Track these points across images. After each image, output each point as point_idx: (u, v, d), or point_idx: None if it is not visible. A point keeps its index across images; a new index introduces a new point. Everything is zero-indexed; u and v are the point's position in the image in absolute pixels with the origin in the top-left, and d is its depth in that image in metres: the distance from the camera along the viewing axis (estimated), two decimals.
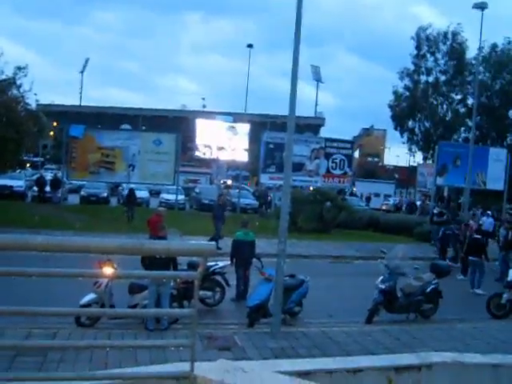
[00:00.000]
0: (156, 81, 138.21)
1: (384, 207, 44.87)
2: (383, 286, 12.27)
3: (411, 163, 65.18)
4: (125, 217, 26.48)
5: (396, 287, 12.54)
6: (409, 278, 12.95)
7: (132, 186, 30.11)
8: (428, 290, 12.87)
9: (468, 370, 5.89)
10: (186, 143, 36.76)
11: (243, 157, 34.32)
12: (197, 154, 34.54)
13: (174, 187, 33.11)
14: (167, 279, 10.45)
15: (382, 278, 12.51)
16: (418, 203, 38.03)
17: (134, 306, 10.85)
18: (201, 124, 34.19)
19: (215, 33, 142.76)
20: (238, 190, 35.85)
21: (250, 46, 56.00)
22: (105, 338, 9.13)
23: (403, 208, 40.10)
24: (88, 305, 10.55)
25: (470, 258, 16.82)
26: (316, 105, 79.55)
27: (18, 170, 32.65)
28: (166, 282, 10.73)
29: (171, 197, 34.00)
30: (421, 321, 12.68)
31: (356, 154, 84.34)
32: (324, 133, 70.24)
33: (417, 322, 12.51)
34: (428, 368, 5.83)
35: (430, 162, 48.54)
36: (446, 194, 44.71)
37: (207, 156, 34.95)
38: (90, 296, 10.71)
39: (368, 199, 46.48)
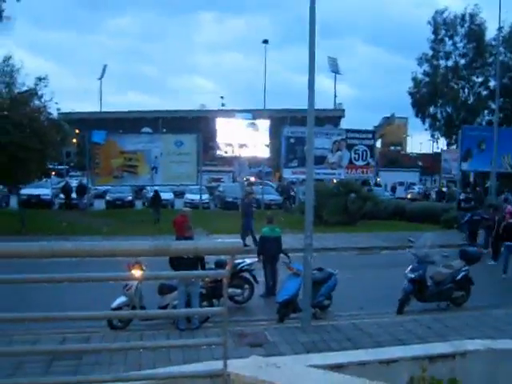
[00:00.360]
0: (173, 82, 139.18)
1: (409, 196, 44.52)
2: (413, 275, 12.20)
3: (435, 150, 64.46)
4: (152, 219, 26.76)
5: (426, 276, 12.45)
6: (438, 265, 12.85)
7: (156, 188, 30.36)
8: (458, 277, 12.75)
9: (502, 357, 5.82)
10: (207, 143, 36.93)
11: (265, 153, 34.33)
12: (218, 152, 34.67)
13: (198, 187, 33.28)
14: (196, 279, 10.53)
15: (410, 267, 12.44)
16: (445, 190, 37.66)
17: (165, 307, 10.96)
18: (221, 122, 34.30)
19: (229, 31, 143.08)
20: (261, 187, 35.87)
21: (265, 41, 55.75)
22: (137, 340, 9.24)
23: (432, 196, 39.59)
24: (119, 308, 10.68)
25: (507, 243, 16.47)
26: (335, 96, 79.17)
27: (44, 179, 33.11)
28: (194, 282, 10.82)
29: (195, 197, 34.19)
30: (452, 309, 12.56)
31: (378, 144, 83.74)
32: (344, 124, 69.78)
33: (448, 311, 12.41)
34: (462, 356, 5.78)
35: (454, 147, 47.89)
36: (471, 179, 44.12)
37: (229, 154, 35.05)
38: (121, 299, 10.84)
39: (393, 189, 46.18)
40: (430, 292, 12.42)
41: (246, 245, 19.48)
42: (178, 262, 10.25)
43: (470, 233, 21.03)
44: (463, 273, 12.86)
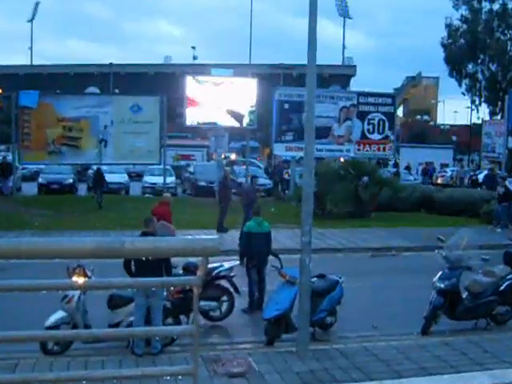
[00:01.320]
0: (129, 27, 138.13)
1: (439, 180, 44.80)
2: (443, 285, 12.29)
3: (474, 121, 64.83)
4: (96, 205, 27.43)
5: (459, 286, 12.54)
6: (476, 272, 12.94)
7: (105, 167, 30.19)
8: (502, 287, 12.86)
9: None
10: (173, 108, 36.74)
11: (250, 121, 34.21)
12: (188, 121, 34.47)
13: (161, 167, 33.14)
14: (158, 288, 10.52)
15: (440, 274, 12.52)
16: (484, 173, 37.82)
17: (117, 325, 10.95)
18: (192, 81, 34.09)
19: None
20: (244, 167, 35.84)
21: None
22: (80, 369, 9.23)
23: (478, 179, 39.47)
24: (56, 326, 10.66)
25: None
26: (343, 49, 78.97)
27: None
28: (156, 292, 10.79)
29: (157, 180, 34.08)
30: (494, 329, 12.69)
31: (399, 112, 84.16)
32: (356, 85, 69.90)
33: (489, 331, 12.53)
34: None
35: (499, 117, 48.25)
36: None
37: (202, 123, 34.88)
38: (58, 314, 10.81)
39: (425, 171, 46.17)
40: (464, 307, 12.52)
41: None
42: (136, 266, 10.24)
43: None
44: (509, 282, 12.97)
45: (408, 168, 46.43)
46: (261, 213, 14.58)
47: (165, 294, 11.40)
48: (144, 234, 10.98)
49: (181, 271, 11.78)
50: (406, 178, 39.57)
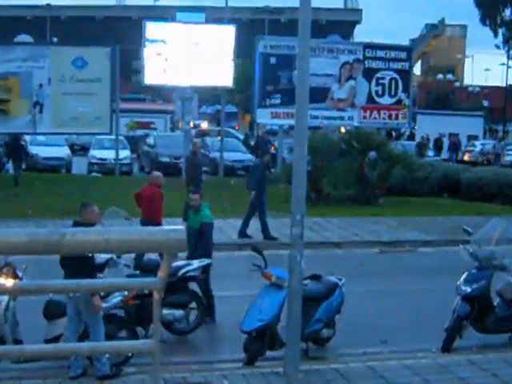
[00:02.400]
0: None
1: (467, 157, 45.00)
2: (469, 289, 12.36)
3: (511, 82, 65.06)
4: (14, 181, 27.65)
5: (490, 290, 12.63)
6: (511, 273, 13.03)
7: (40, 138, 29.97)
8: None
9: None
10: (128, 62, 36.52)
11: (226, 81, 34.13)
12: (148, 79, 34.32)
13: (112, 138, 33.02)
14: (94, 292, 10.26)
15: (466, 275, 12.59)
16: None
17: (56, 339, 10.93)
18: (152, 28, 33.90)
19: None
20: (218, 138, 35.81)
21: None
22: None
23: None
24: None
25: None
26: None
27: None
28: (86, 298, 10.50)
29: (107, 154, 34.01)
30: None
31: (417, 70, 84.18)
32: (361, 35, 70.00)
33: None
34: None
35: None
36: None
37: (165, 82, 34.73)
38: None
39: (453, 145, 46.10)
40: (496, 316, 12.60)
41: (248, 235, 20.23)
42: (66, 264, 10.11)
43: None
44: None
45: (425, 142, 46.43)
46: (198, 197, 14.22)
47: (117, 299, 11.37)
48: (76, 225, 10.54)
49: (136, 271, 11.79)
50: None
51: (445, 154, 44.52)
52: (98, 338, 10.42)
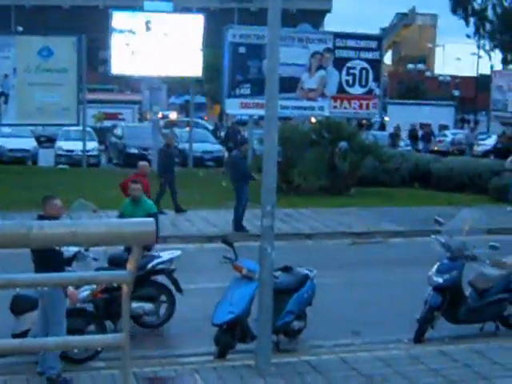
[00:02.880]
0: None
1: (437, 147, 45.23)
2: (441, 280, 12.41)
3: (481, 71, 65.44)
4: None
5: (462, 281, 12.70)
6: (483, 263, 13.10)
7: (5, 129, 29.73)
8: None
9: None
10: (95, 52, 36.30)
11: (195, 71, 34.05)
12: (115, 69, 34.16)
13: (79, 129, 32.83)
14: (57, 285, 10.22)
15: (438, 266, 12.64)
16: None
17: (24, 334, 10.86)
18: (119, 18, 33.73)
19: None
20: (187, 129, 35.71)
21: None
22: None
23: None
24: None
25: None
26: None
27: None
28: (53, 292, 10.45)
29: (74, 146, 33.82)
30: (504, 334, 12.88)
31: (387, 59, 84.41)
32: (332, 25, 70.02)
33: (498, 337, 12.72)
34: None
35: None
36: None
37: (132, 72, 34.58)
38: None
39: (427, 135, 46.18)
40: (468, 307, 12.66)
41: (245, 228, 20.12)
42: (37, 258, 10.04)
43: None
44: None
45: (397, 132, 46.56)
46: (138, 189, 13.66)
47: (85, 294, 11.32)
48: (41, 219, 10.38)
49: (105, 265, 11.73)
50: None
51: (419, 145, 44.68)
52: (59, 334, 10.32)
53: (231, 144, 36.15)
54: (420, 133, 46.44)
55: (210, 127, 48.23)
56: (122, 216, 13.42)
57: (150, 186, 16.85)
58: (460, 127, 57.56)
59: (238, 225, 20.40)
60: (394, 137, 42.14)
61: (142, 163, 18.02)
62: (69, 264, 11.13)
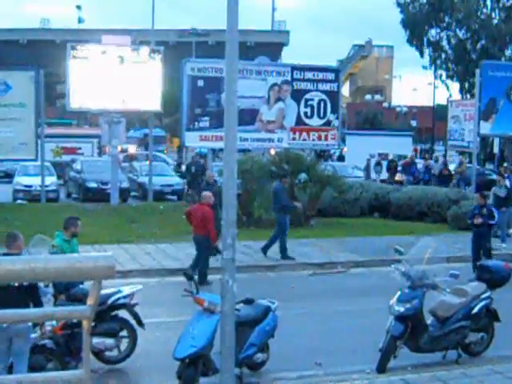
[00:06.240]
0: None
1: (397, 177, 45.49)
2: (402, 309, 12.45)
3: (438, 101, 66.21)
4: None
5: (423, 309, 12.76)
6: (443, 291, 13.17)
7: None
8: (476, 309, 13.11)
9: None
10: (53, 86, 36.20)
11: (154, 105, 34.06)
12: (73, 103, 34.05)
13: (38, 164, 32.62)
14: (25, 323, 10.20)
15: (398, 295, 12.69)
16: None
17: None
18: (77, 51, 33.68)
19: None
20: (146, 162, 35.66)
21: None
22: None
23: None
24: None
25: None
26: (273, 10, 79.46)
27: None
28: (20, 330, 10.42)
29: (33, 181, 33.57)
30: (467, 361, 12.92)
31: (345, 90, 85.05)
32: (289, 57, 70.55)
33: (461, 365, 12.73)
34: None
35: (469, 97, 49.37)
36: (496, 149, 45.60)
37: (91, 106, 34.50)
38: None
39: (392, 167, 46.29)
40: (430, 335, 12.70)
41: (290, 257, 21.71)
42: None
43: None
44: (483, 302, 13.24)
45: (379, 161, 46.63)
46: (75, 226, 13.42)
47: (33, 335, 11.17)
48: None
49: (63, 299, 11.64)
50: (352, 173, 40.09)
51: (384, 175, 44.75)
52: (23, 370, 10.25)
53: (191, 176, 36.09)
54: (384, 163, 46.66)
55: (171, 161, 48.32)
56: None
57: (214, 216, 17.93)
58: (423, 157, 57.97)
59: (284, 254, 21.48)
60: (369, 169, 42.22)
61: (205, 193, 18.82)
62: None
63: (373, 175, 44.20)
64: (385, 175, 44.56)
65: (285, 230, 21.69)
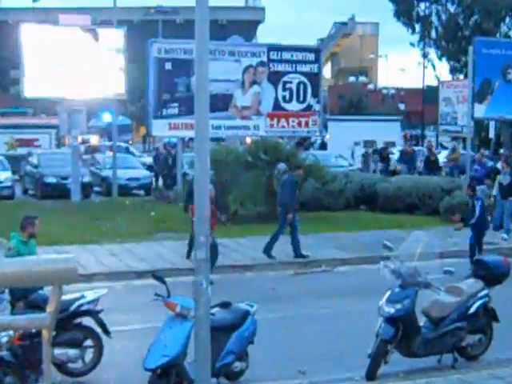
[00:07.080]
0: None
1: (395, 167, 45.47)
2: (392, 310, 12.47)
3: (428, 82, 66.29)
4: None
5: (415, 310, 12.79)
6: (437, 290, 13.20)
7: None
8: (472, 309, 13.16)
9: None
10: (5, 72, 35.98)
11: (118, 91, 33.94)
12: (28, 91, 33.90)
13: None
14: None
15: (388, 295, 12.71)
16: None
17: None
18: (32, 33, 33.51)
19: None
20: (109, 154, 35.56)
21: None
22: None
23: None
24: None
25: None
26: None
27: None
28: None
29: None
30: (463, 365, 12.96)
31: (326, 72, 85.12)
32: (265, 35, 70.51)
33: (456, 370, 12.77)
34: None
35: (462, 77, 49.52)
36: (492, 133, 45.74)
37: (48, 94, 34.34)
38: None
39: (385, 156, 46.23)
40: (423, 338, 12.72)
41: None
42: None
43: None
44: (480, 301, 13.29)
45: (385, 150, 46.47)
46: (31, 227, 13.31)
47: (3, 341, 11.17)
48: None
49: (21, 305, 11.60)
50: (338, 163, 39.97)
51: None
52: None
53: (162, 169, 35.88)
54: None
55: (136, 153, 48.17)
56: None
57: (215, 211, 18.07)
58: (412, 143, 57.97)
59: (268, 251, 21.37)
60: (369, 159, 42.08)
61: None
62: None
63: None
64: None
65: (282, 227, 21.69)
